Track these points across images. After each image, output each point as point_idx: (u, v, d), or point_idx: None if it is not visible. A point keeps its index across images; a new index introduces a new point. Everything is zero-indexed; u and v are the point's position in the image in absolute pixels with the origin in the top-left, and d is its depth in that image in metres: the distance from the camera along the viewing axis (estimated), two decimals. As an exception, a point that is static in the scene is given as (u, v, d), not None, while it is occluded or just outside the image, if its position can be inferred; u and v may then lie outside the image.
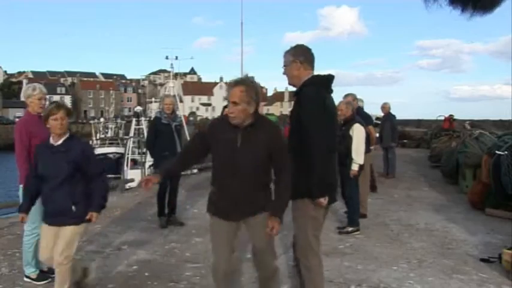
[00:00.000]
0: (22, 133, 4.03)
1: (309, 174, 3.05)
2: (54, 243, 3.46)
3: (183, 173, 7.48)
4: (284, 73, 3.34)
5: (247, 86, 2.90)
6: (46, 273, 4.20)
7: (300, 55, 3.24)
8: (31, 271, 4.14)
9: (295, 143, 3.15)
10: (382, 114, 11.26)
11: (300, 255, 3.28)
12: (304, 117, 3.10)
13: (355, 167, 5.76)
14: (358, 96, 7.56)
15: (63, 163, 3.41)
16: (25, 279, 4.16)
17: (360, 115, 6.65)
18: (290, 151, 3.12)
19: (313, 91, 3.15)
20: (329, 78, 3.30)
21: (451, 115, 17.36)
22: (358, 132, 5.83)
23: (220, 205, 3.06)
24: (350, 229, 5.83)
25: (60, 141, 3.49)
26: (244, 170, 2.91)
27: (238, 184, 2.93)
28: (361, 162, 5.82)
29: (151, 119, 30.79)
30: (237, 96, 2.90)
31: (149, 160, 13.37)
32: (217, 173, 3.08)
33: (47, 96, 4.43)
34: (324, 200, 3.09)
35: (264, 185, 3.04)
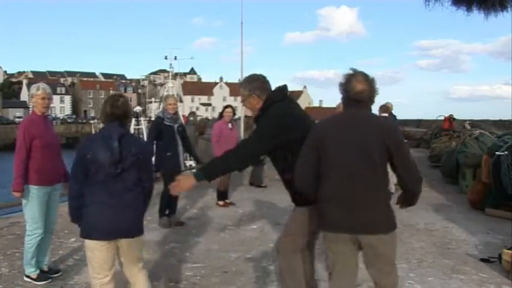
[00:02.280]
0: (25, 134, 4.02)
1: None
2: None
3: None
4: (244, 105, 3.39)
5: None
6: (46, 273, 4.20)
7: (256, 89, 3.24)
8: (31, 271, 4.14)
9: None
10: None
11: (279, 243, 3.31)
12: (257, 128, 3.21)
13: None
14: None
15: None
16: (25, 278, 4.16)
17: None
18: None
19: (273, 110, 3.15)
20: (281, 91, 3.28)
21: (451, 115, 17.37)
22: None
23: None
24: None
25: None
26: None
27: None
28: None
29: (151, 119, 30.68)
30: None
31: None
32: None
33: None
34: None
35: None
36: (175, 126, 6.27)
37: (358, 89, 2.70)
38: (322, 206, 2.77)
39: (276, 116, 3.12)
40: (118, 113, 2.98)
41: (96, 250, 2.94)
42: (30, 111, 4.28)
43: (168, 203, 6.33)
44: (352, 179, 2.65)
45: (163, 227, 6.11)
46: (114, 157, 2.87)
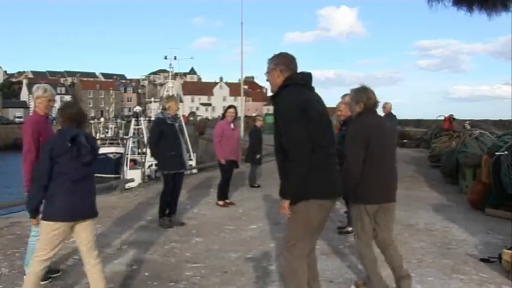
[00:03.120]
0: (33, 133, 4.00)
1: (290, 177, 3.04)
2: None
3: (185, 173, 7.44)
4: (267, 80, 3.37)
5: None
6: (46, 273, 4.19)
7: (281, 64, 3.23)
8: None
9: (279, 147, 3.14)
10: (382, 114, 11.25)
11: (283, 249, 3.27)
12: (281, 124, 3.08)
13: None
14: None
15: None
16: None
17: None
18: (278, 154, 3.16)
19: (287, 93, 3.11)
20: (305, 76, 3.25)
21: (451, 115, 17.40)
22: None
23: None
24: (350, 229, 5.80)
25: None
26: None
27: None
28: None
29: (151, 119, 30.56)
30: None
31: (149, 160, 13.34)
32: None
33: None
34: (285, 205, 3.02)
35: None
36: (176, 125, 6.29)
37: (374, 100, 3.80)
38: (368, 187, 3.62)
39: (290, 99, 3.08)
40: (80, 119, 3.55)
41: (55, 230, 3.34)
42: (30, 112, 4.28)
43: (168, 203, 6.34)
44: (389, 167, 3.77)
45: (164, 227, 6.11)
46: (87, 149, 3.42)
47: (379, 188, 3.67)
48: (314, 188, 3.04)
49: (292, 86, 3.15)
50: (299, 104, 3.04)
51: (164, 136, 6.16)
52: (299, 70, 3.29)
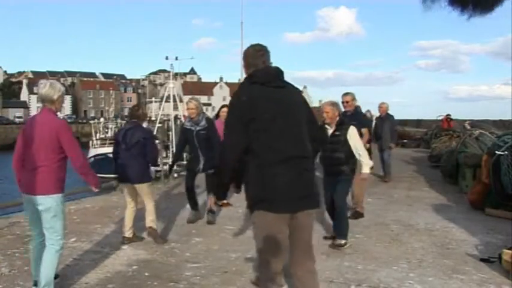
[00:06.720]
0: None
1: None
2: None
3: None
4: None
5: None
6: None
7: (243, 60, 2.88)
8: None
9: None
10: (378, 114, 11.24)
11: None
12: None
13: (366, 170, 5.29)
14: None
15: None
16: None
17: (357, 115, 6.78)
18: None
19: (236, 91, 2.84)
20: (263, 72, 2.79)
21: (448, 115, 17.40)
22: (353, 135, 5.25)
23: None
24: (343, 242, 5.27)
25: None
26: None
27: None
28: (372, 163, 5.69)
29: (151, 119, 30.70)
30: None
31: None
32: None
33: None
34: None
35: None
36: (196, 129, 6.25)
37: None
38: None
39: (234, 100, 2.80)
40: None
41: None
42: (58, 114, 3.71)
43: (192, 199, 6.60)
44: None
45: (188, 222, 6.40)
46: None
47: None
48: (255, 195, 2.83)
49: (247, 85, 2.78)
50: (241, 105, 2.72)
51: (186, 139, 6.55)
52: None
